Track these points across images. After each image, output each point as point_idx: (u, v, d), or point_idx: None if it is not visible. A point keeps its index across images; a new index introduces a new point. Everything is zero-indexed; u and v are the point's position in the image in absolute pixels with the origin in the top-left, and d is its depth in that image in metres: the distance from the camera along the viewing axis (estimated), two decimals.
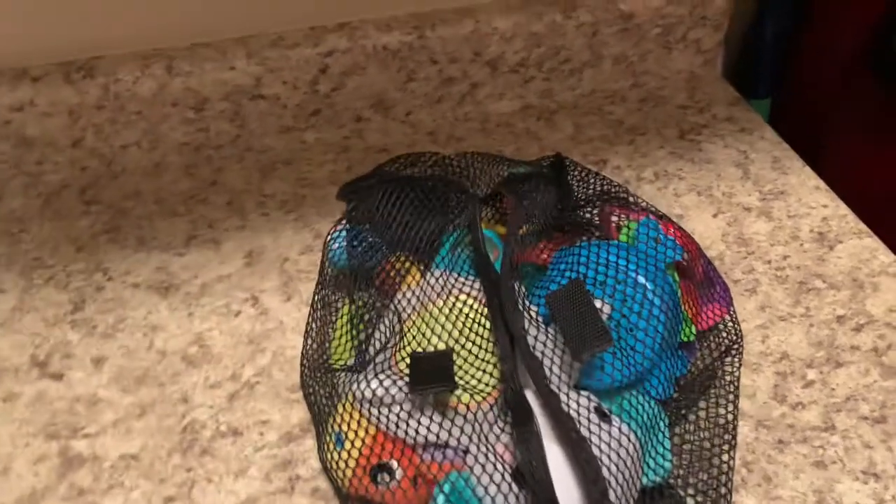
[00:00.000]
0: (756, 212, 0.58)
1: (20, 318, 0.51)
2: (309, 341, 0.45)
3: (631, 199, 0.47)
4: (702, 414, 0.43)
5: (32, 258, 0.54)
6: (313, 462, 0.43)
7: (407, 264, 0.45)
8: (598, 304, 0.40)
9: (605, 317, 0.40)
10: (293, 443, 0.44)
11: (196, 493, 0.42)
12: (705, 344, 0.46)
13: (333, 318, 0.45)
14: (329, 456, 0.39)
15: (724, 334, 0.46)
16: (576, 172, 0.51)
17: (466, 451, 0.37)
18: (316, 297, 0.46)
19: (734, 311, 0.47)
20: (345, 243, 0.46)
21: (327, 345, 0.45)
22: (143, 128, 0.59)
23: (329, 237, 0.47)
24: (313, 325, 0.45)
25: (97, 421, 0.45)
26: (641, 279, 0.41)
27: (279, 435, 0.45)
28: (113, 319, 0.50)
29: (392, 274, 0.44)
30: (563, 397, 0.37)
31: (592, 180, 0.51)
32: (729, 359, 0.45)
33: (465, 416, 0.37)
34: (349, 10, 0.60)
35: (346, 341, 0.44)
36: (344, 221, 0.47)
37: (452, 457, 0.37)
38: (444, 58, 0.62)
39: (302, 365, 0.44)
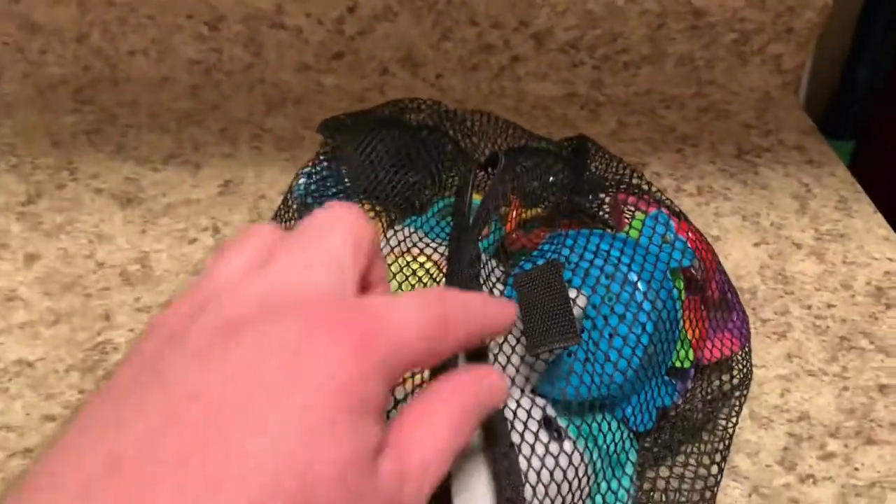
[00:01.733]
0: (806, 250, 0.49)
1: None
2: None
3: (648, 188, 0.40)
4: (681, 459, 0.35)
5: (5, 143, 0.51)
6: None
7: (371, 214, 0.39)
8: (572, 293, 0.33)
9: (578, 310, 0.33)
10: None
11: None
12: (706, 378, 0.38)
13: None
14: None
15: (732, 374, 0.38)
16: (599, 159, 0.44)
17: None
18: None
19: (749, 349, 0.39)
20: (310, 179, 0.40)
21: None
22: (153, 36, 0.55)
23: (300, 171, 0.42)
24: None
25: (6, 318, 0.41)
26: (633, 276, 0.34)
27: None
28: (62, 220, 0.46)
29: None
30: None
31: (614, 167, 0.43)
32: (729, 403, 0.37)
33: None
34: None
35: None
36: (318, 157, 0.41)
37: None
38: (486, 21, 0.56)
39: None
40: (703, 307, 0.38)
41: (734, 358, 0.38)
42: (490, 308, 0.23)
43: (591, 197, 0.41)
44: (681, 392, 0.36)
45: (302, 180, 0.41)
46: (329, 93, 0.58)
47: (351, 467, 0.17)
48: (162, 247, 0.46)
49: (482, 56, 0.58)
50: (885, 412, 0.40)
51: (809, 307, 0.45)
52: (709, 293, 0.38)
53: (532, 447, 0.29)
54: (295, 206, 0.40)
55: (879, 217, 0.52)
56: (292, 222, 0.40)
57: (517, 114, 0.58)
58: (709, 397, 0.37)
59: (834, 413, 0.40)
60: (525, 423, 0.29)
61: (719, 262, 0.39)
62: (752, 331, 0.44)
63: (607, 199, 0.41)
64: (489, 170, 0.43)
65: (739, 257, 0.48)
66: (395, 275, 0.35)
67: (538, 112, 0.59)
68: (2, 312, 0.41)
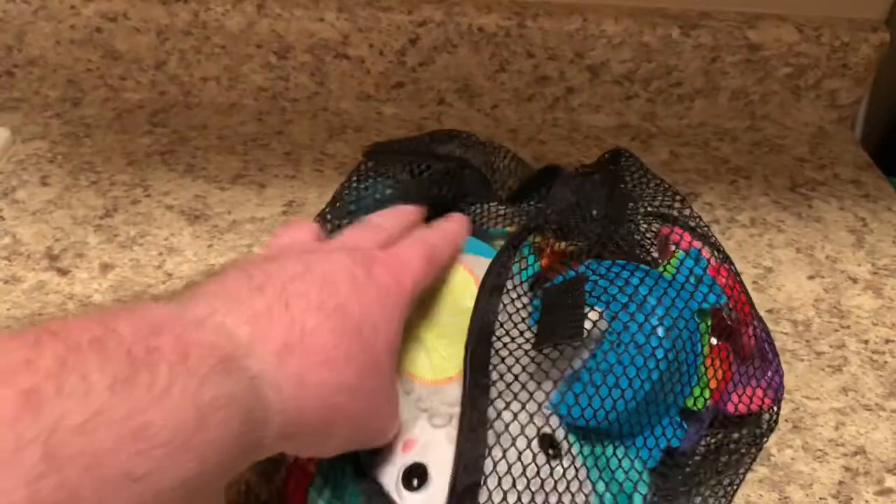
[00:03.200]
0: (863, 284, 0.49)
1: (52, 211, 0.50)
2: None
3: (696, 223, 0.40)
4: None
5: (85, 161, 0.54)
6: None
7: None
8: (594, 315, 0.33)
9: (594, 326, 0.33)
10: None
11: None
12: (728, 429, 0.36)
13: None
14: None
15: (755, 430, 0.36)
16: (640, 180, 0.43)
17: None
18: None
19: (778, 408, 0.37)
20: (356, 185, 0.41)
21: None
22: (225, 64, 0.59)
23: (355, 175, 0.42)
24: None
25: None
26: (657, 309, 0.33)
27: None
28: (135, 232, 0.49)
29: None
30: (505, 407, 0.30)
31: (661, 193, 0.43)
32: (742, 461, 0.35)
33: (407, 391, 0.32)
34: None
35: None
36: (359, 171, 0.42)
37: None
38: (542, 52, 0.58)
39: None
40: (732, 356, 0.37)
41: (763, 414, 0.37)
42: (451, 226, 0.35)
43: (634, 231, 0.40)
44: (691, 435, 0.35)
45: (358, 184, 0.42)
46: (388, 121, 0.60)
47: (392, 333, 0.28)
48: (227, 260, 0.48)
49: (537, 87, 0.60)
50: None
51: (866, 342, 0.45)
52: (742, 342, 0.37)
53: (519, 457, 0.28)
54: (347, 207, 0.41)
55: None
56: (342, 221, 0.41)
57: (570, 143, 0.59)
58: (724, 448, 0.36)
59: (892, 449, 0.39)
60: (522, 432, 0.29)
61: (758, 316, 0.38)
62: (806, 362, 0.43)
63: (653, 233, 0.40)
64: (543, 187, 0.43)
65: (793, 289, 0.48)
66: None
67: (590, 142, 0.60)
68: None
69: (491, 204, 0.42)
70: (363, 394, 0.27)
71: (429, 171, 0.41)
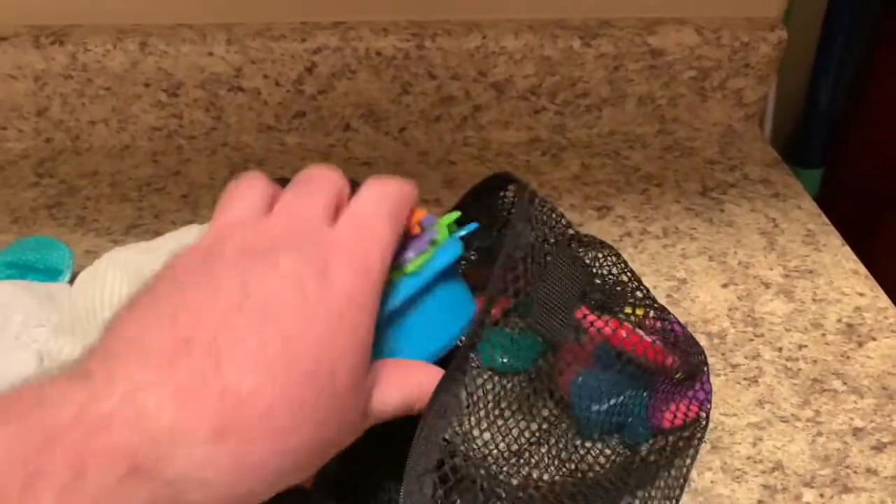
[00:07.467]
0: (775, 289, 0.49)
1: None
2: None
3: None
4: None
5: None
6: None
7: None
8: None
9: None
10: None
11: None
12: (659, 441, 0.37)
13: None
14: None
15: (690, 432, 0.37)
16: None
17: None
18: None
19: (709, 409, 0.37)
20: None
21: None
22: (113, 105, 0.55)
23: None
24: None
25: None
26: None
27: None
28: None
29: None
30: None
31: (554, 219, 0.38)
32: (685, 454, 0.36)
33: None
34: (345, 9, 0.55)
35: None
36: None
37: None
38: (445, 73, 0.56)
39: None
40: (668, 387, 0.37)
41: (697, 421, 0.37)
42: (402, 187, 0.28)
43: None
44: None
45: None
46: (292, 151, 0.58)
47: (358, 353, 0.24)
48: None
49: (443, 108, 0.58)
50: (860, 457, 0.39)
51: (780, 349, 0.45)
52: (664, 385, 0.37)
53: None
54: None
55: (847, 250, 0.52)
56: None
57: (481, 162, 0.58)
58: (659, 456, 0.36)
59: (808, 461, 0.39)
60: None
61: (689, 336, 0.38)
62: (723, 377, 0.43)
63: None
64: None
65: (707, 300, 0.48)
66: None
67: (502, 159, 0.58)
68: None
69: None
70: (321, 442, 0.23)
71: None
